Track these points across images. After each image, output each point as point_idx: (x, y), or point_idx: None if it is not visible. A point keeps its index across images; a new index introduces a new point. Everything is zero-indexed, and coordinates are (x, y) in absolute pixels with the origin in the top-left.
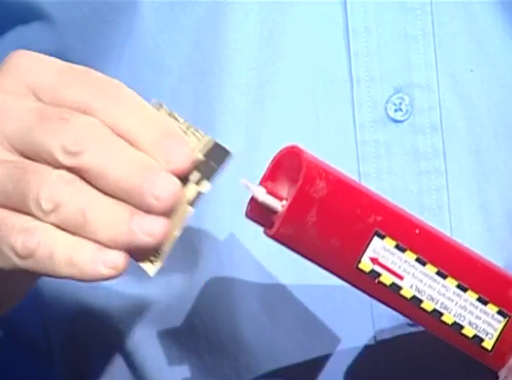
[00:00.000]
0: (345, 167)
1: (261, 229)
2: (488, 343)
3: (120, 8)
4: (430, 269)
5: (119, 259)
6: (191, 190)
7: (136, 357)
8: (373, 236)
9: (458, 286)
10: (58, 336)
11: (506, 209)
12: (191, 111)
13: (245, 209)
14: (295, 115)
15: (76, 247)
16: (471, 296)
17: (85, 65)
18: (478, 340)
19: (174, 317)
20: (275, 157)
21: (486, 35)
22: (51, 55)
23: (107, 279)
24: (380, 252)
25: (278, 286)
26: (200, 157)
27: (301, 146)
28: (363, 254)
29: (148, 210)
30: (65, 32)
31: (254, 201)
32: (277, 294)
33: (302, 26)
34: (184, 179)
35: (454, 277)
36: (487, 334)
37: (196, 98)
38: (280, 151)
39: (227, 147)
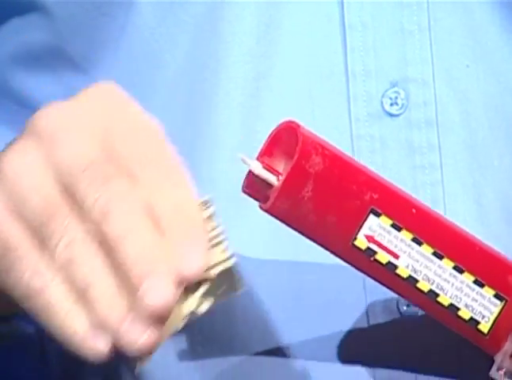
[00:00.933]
0: None
1: (255, 222)
2: (484, 327)
3: (117, 1)
4: (427, 249)
5: (104, 346)
6: (190, 305)
7: None
8: (369, 213)
9: (454, 268)
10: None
11: (502, 204)
12: (187, 105)
13: (241, 184)
14: (290, 109)
15: (72, 312)
16: (467, 278)
17: (82, 58)
18: (474, 322)
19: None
20: (272, 132)
21: (482, 30)
22: (46, 47)
23: (89, 358)
24: (376, 230)
25: (270, 277)
26: (213, 276)
27: (298, 120)
28: (358, 231)
29: (137, 310)
30: (61, 24)
31: (250, 176)
32: (269, 284)
33: (298, 21)
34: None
35: (451, 258)
36: (483, 317)
37: (192, 92)
38: (278, 126)
39: (242, 282)
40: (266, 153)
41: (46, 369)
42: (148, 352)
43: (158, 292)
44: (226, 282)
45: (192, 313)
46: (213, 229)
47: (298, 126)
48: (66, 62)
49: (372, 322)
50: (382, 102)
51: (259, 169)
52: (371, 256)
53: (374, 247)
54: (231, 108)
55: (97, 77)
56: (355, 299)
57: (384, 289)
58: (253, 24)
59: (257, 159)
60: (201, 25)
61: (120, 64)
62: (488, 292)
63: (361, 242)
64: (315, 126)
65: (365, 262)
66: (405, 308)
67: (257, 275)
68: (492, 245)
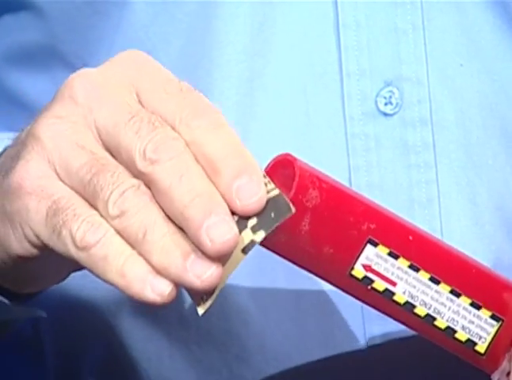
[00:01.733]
0: (335, 160)
1: None
2: (481, 347)
3: (111, 0)
4: (423, 275)
5: (166, 288)
6: (247, 236)
7: (125, 349)
8: (366, 243)
9: (451, 292)
10: (47, 330)
11: (495, 203)
12: None
13: None
14: (285, 107)
15: (130, 260)
16: (464, 301)
17: (76, 56)
18: (471, 344)
19: (164, 308)
20: (268, 165)
21: (476, 29)
22: (39, 45)
23: (151, 303)
24: (373, 259)
25: (267, 279)
26: (270, 199)
27: (294, 154)
28: (356, 261)
29: (201, 250)
30: (54, 23)
31: None
32: (266, 287)
33: (292, 19)
34: (242, 221)
35: (447, 283)
36: (480, 338)
37: None
38: (274, 159)
39: (291, 204)
40: None
41: (42, 369)
42: (212, 290)
43: (224, 228)
44: (276, 209)
45: (251, 242)
46: None
47: (295, 159)
48: (59, 60)
49: (368, 327)
50: (376, 101)
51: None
52: (368, 284)
53: (371, 276)
54: (226, 107)
55: None
56: (353, 303)
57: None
58: (247, 22)
59: None
60: (195, 24)
61: None
62: (485, 313)
63: (359, 272)
64: (309, 125)
65: (363, 291)
66: None
67: (253, 274)
68: (486, 244)
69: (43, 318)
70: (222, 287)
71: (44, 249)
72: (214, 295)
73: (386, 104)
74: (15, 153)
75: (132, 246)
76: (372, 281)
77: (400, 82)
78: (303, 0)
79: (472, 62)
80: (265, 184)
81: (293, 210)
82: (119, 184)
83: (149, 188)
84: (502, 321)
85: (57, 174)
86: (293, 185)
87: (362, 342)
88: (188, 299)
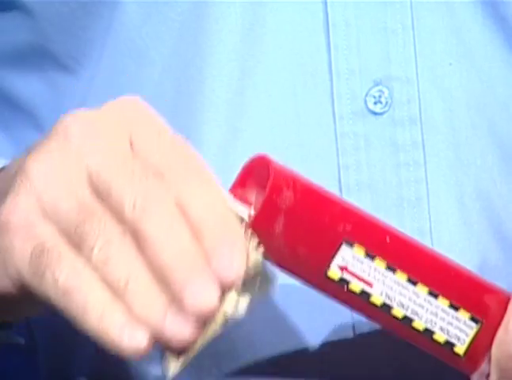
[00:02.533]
0: (324, 159)
1: None
2: (460, 349)
3: (103, 0)
4: (401, 276)
5: (143, 340)
6: (228, 306)
7: None
8: (342, 244)
9: (429, 293)
10: (40, 330)
11: (483, 203)
12: (172, 102)
13: None
14: (275, 106)
15: (110, 308)
16: (442, 303)
17: (68, 57)
18: (449, 345)
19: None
20: (245, 165)
21: (465, 28)
22: (31, 46)
23: (126, 353)
24: (349, 261)
25: None
26: (251, 275)
27: (270, 155)
28: (331, 262)
29: (181, 309)
30: (45, 24)
31: None
32: None
33: (282, 19)
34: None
35: (425, 284)
36: (458, 340)
37: (177, 89)
38: (250, 159)
39: (275, 277)
40: (239, 185)
41: (34, 369)
42: (187, 351)
43: (203, 296)
44: (259, 279)
45: (232, 314)
46: (243, 224)
47: (269, 161)
48: (52, 61)
49: (356, 319)
50: (366, 100)
51: (231, 203)
52: (344, 285)
53: (347, 277)
54: (216, 106)
55: (83, 75)
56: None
57: None
58: (238, 22)
59: (230, 191)
60: (187, 23)
61: (106, 63)
62: (464, 315)
63: (334, 273)
64: (299, 124)
65: (339, 292)
66: None
67: None
68: (473, 243)
69: (36, 319)
70: (197, 351)
71: (23, 290)
72: (188, 358)
73: (375, 103)
74: (7, 186)
75: (114, 295)
76: (348, 282)
77: (390, 82)
78: (293, 0)
79: (461, 62)
80: (253, 250)
81: (275, 286)
82: (105, 231)
83: (135, 238)
84: (482, 323)
85: (44, 212)
86: (267, 185)
87: (351, 337)
88: None
